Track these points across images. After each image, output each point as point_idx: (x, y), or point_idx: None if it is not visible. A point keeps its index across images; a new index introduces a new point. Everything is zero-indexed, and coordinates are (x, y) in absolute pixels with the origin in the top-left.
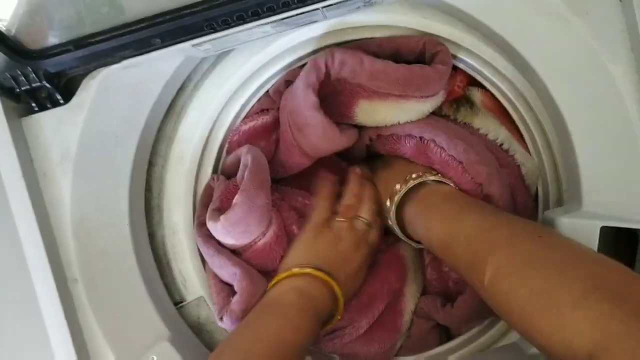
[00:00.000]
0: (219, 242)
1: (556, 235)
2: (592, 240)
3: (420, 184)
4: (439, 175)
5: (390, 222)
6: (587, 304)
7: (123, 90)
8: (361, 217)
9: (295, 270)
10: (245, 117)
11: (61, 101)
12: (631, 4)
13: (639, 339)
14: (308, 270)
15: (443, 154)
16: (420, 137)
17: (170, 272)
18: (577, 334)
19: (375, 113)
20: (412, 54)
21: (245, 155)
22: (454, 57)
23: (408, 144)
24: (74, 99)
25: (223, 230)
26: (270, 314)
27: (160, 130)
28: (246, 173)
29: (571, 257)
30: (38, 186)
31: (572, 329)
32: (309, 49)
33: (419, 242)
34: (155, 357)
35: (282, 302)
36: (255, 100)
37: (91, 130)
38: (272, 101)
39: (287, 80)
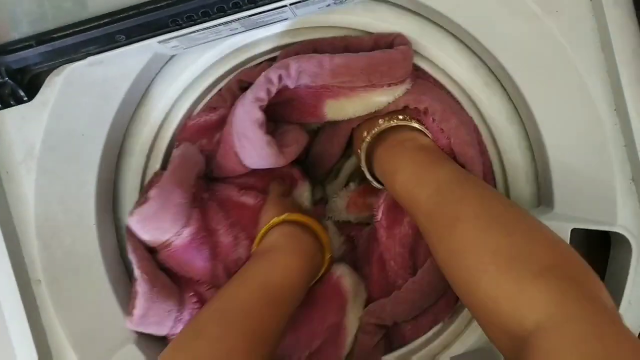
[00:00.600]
0: (138, 240)
1: (525, 210)
2: None
3: (398, 128)
4: (416, 121)
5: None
6: (549, 277)
7: (89, 88)
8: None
9: (275, 219)
10: (195, 114)
11: (25, 98)
12: (601, 3)
13: (590, 323)
14: (285, 217)
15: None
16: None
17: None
18: (532, 301)
19: (344, 109)
20: (366, 49)
21: (175, 151)
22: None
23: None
24: (38, 96)
25: (136, 224)
26: (257, 260)
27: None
28: (167, 169)
29: (538, 231)
30: (1, 184)
31: (529, 296)
32: (262, 48)
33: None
34: None
35: (269, 249)
36: (208, 97)
37: (56, 128)
38: (223, 100)
39: (240, 79)
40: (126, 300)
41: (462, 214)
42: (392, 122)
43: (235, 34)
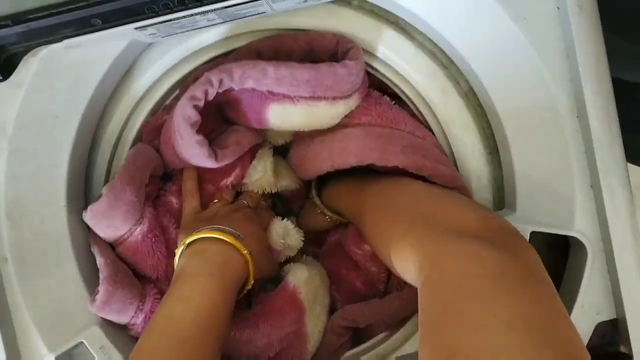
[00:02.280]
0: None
1: (418, 186)
2: None
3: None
4: None
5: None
6: (409, 233)
7: (65, 70)
8: (241, 199)
9: (180, 245)
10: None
11: (0, 77)
12: (567, 12)
13: (448, 256)
14: (193, 236)
15: None
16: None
17: None
18: (405, 258)
19: (288, 117)
20: (326, 53)
21: (131, 150)
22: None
23: None
24: (13, 76)
25: (89, 220)
26: (165, 296)
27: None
28: (120, 167)
29: (412, 202)
30: None
31: (402, 254)
32: (227, 47)
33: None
34: (84, 341)
35: (175, 277)
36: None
37: (29, 109)
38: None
39: (197, 77)
40: (92, 283)
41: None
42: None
43: (213, 24)
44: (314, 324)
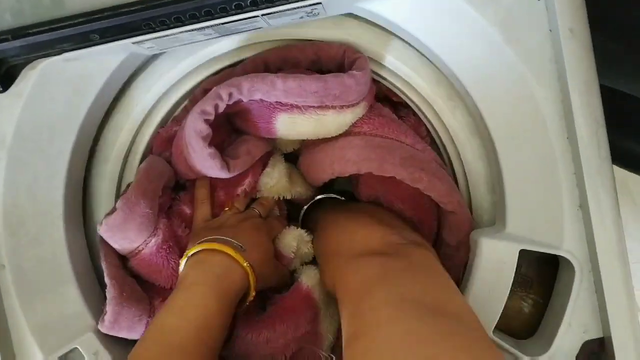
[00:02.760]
0: (110, 247)
1: (337, 218)
2: (511, 262)
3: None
4: None
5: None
6: (328, 266)
7: (63, 83)
8: (253, 208)
9: (185, 254)
10: (166, 126)
11: (0, 89)
12: (558, 34)
13: (350, 275)
14: (195, 248)
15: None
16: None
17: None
18: (328, 284)
19: (296, 126)
20: (333, 62)
21: (143, 163)
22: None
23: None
24: (13, 88)
25: (105, 233)
26: (165, 305)
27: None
28: (133, 181)
29: (332, 238)
30: None
31: (327, 282)
32: (236, 58)
33: None
34: (78, 347)
35: (177, 284)
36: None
37: (28, 120)
38: (187, 111)
39: (205, 88)
40: (89, 289)
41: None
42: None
43: (210, 39)
44: (329, 324)
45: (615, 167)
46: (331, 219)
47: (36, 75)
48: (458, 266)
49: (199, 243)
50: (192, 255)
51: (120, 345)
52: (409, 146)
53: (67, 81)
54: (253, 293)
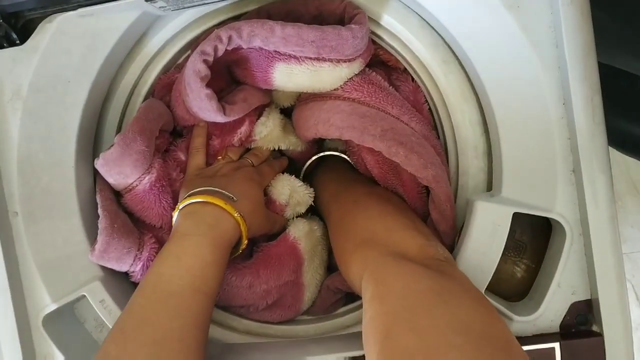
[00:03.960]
0: (105, 182)
1: (373, 204)
2: (505, 225)
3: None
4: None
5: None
6: (357, 251)
7: (78, 37)
8: (246, 157)
9: (179, 204)
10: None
11: (17, 41)
12: (558, 2)
13: (391, 275)
14: (186, 200)
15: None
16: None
17: None
18: (353, 272)
19: (292, 77)
20: (334, 17)
21: (143, 103)
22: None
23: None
24: (29, 41)
25: (101, 167)
26: (157, 256)
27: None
28: (131, 120)
29: (365, 221)
30: None
31: (351, 268)
32: (243, 9)
33: None
34: (85, 294)
35: (170, 236)
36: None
37: (44, 73)
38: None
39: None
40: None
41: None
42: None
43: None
44: (312, 276)
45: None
46: (348, 195)
47: (52, 29)
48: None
49: (189, 195)
50: (184, 207)
51: (125, 294)
52: (394, 117)
53: (82, 36)
54: (245, 242)
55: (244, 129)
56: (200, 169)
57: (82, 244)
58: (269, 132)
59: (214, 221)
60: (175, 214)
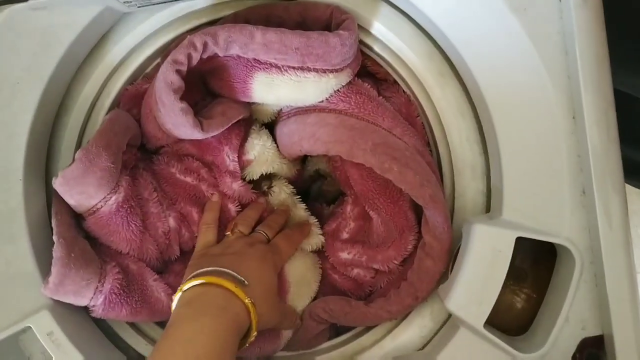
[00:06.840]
0: (64, 204)
1: None
2: (507, 251)
3: None
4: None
5: None
6: None
7: (29, 33)
8: (259, 231)
9: (177, 292)
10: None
11: None
12: (569, 4)
13: None
14: (190, 282)
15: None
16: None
17: None
18: None
19: (273, 88)
20: (319, 24)
21: (107, 115)
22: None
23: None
24: None
25: (60, 187)
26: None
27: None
28: (95, 133)
29: None
30: None
31: None
32: (215, 15)
33: None
34: (31, 325)
35: (170, 324)
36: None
37: None
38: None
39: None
40: (46, 263)
41: None
42: None
43: None
44: (296, 305)
45: None
46: None
47: None
48: (427, 272)
49: (193, 276)
50: (187, 289)
51: (78, 324)
52: (385, 130)
53: (34, 33)
54: (254, 333)
55: (230, 148)
56: (208, 247)
57: (29, 269)
58: (262, 150)
59: (225, 304)
60: (175, 297)
